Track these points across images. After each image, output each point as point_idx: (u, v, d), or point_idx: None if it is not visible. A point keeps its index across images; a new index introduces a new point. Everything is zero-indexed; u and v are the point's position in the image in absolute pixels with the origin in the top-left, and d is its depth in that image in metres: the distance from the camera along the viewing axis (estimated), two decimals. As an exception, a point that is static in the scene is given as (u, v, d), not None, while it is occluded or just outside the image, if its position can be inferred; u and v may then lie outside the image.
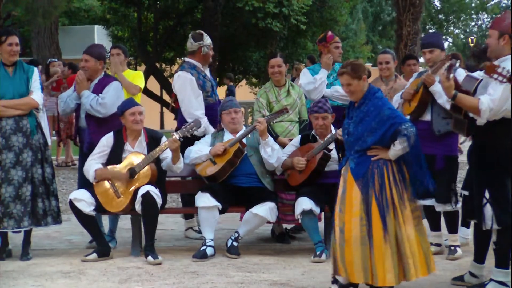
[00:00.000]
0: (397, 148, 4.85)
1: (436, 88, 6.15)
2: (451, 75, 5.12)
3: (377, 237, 4.77)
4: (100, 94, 6.68)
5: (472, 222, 5.52)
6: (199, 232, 7.21)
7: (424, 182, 4.93)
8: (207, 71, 7.20)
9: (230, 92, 18.86)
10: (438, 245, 6.54)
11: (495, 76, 4.73)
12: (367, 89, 5.00)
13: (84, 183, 6.65)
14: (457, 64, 5.46)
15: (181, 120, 7.03)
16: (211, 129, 6.96)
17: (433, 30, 50.41)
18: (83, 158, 6.74)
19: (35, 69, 6.51)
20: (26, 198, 6.26)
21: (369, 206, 4.82)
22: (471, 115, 5.15)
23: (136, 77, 7.66)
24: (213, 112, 7.03)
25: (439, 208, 6.32)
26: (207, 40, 7.12)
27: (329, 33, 7.38)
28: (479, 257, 5.43)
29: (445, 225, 6.47)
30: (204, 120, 6.90)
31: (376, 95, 4.97)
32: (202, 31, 7.24)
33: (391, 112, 4.90)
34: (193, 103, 6.93)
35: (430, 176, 4.99)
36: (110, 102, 6.64)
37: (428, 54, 6.31)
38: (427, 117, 6.27)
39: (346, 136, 5.05)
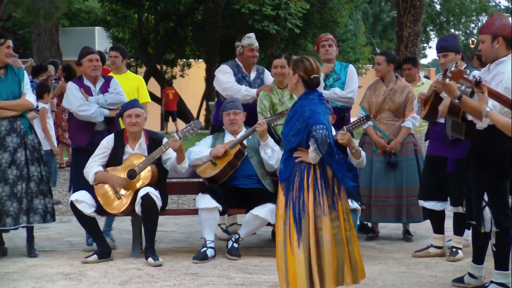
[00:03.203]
0: (311, 150, 4.60)
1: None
2: (447, 80, 5.10)
3: (292, 241, 4.58)
4: (112, 90, 6.81)
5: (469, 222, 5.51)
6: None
7: (344, 181, 4.63)
8: (253, 74, 7.31)
9: None
10: (439, 247, 6.53)
11: (462, 81, 4.70)
12: (304, 91, 4.75)
13: (78, 184, 6.70)
14: (453, 68, 5.42)
15: (216, 116, 7.20)
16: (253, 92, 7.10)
17: (434, 32, 50.40)
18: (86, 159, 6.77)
19: (24, 71, 6.69)
20: (22, 196, 6.38)
21: (288, 210, 4.64)
22: (470, 118, 5.13)
23: (141, 88, 7.66)
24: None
25: (450, 209, 6.33)
26: (245, 41, 7.24)
27: (321, 35, 7.48)
28: (478, 258, 5.43)
29: (451, 226, 6.46)
30: (243, 88, 7.07)
31: (310, 96, 4.72)
32: (251, 33, 7.44)
33: (311, 113, 4.62)
34: (232, 84, 7.12)
35: (350, 176, 4.65)
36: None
37: (442, 58, 6.23)
38: (441, 119, 6.25)
39: (282, 137, 4.90)
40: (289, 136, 4.72)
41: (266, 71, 7.52)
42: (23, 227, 6.48)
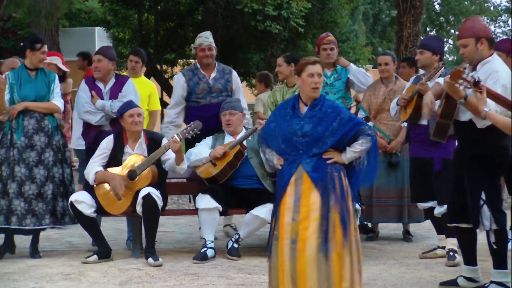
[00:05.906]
0: (357, 150, 4.62)
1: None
2: (460, 81, 5.08)
3: (336, 243, 4.51)
4: (123, 94, 6.73)
5: (453, 225, 5.41)
6: (235, 229, 7.31)
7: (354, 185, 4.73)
8: (213, 74, 7.16)
9: None
10: (444, 248, 6.46)
11: (460, 81, 4.71)
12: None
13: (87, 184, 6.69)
14: (467, 70, 5.41)
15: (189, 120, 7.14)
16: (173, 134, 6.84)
17: (434, 32, 50.44)
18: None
19: (56, 75, 6.70)
20: (48, 197, 6.45)
21: (329, 211, 4.55)
22: (463, 119, 5.12)
23: (153, 95, 7.61)
24: (205, 113, 6.98)
25: (438, 210, 6.29)
26: (196, 41, 7.15)
27: (322, 35, 7.37)
28: (470, 260, 5.38)
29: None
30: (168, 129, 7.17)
31: (327, 97, 4.80)
32: (202, 32, 7.28)
33: (351, 114, 4.75)
34: (172, 103, 7.22)
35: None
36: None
37: (419, 54, 6.39)
38: (424, 121, 6.27)
39: (300, 138, 4.65)
40: (324, 137, 4.62)
41: (234, 73, 7.32)
42: (49, 227, 6.56)
